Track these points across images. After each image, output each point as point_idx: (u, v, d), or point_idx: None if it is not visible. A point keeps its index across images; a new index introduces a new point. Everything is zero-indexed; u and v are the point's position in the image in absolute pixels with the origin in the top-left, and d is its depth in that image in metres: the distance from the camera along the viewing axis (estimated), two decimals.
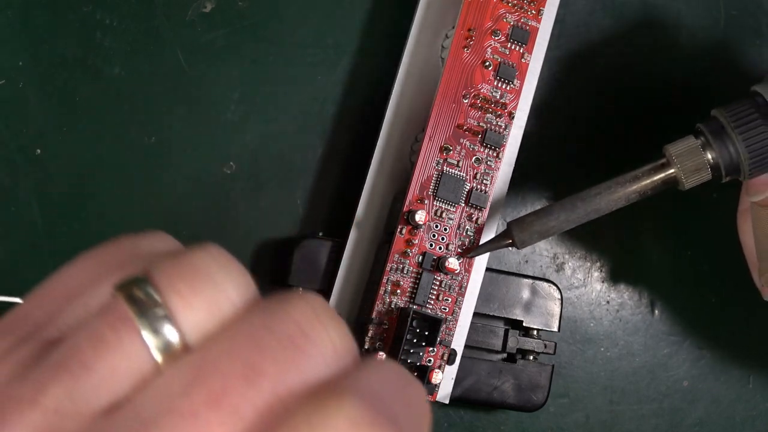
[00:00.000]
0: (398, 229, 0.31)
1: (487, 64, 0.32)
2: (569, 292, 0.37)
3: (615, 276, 0.38)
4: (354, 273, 0.33)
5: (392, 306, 0.31)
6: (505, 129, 0.33)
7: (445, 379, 0.32)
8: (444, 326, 0.31)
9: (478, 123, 0.32)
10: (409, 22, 0.34)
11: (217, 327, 0.15)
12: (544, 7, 0.33)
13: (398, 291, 0.31)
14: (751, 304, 0.36)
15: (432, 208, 0.32)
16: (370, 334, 0.31)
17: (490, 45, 0.32)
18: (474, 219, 0.32)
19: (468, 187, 0.32)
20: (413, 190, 0.31)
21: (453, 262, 0.31)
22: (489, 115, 0.32)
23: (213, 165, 0.35)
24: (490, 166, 0.32)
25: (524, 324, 0.34)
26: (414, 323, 0.30)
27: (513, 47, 0.33)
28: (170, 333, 0.14)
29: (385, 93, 0.34)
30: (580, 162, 0.38)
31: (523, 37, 0.33)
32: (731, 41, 0.39)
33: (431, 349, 0.31)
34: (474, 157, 0.32)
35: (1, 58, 0.34)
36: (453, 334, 0.32)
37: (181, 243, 0.16)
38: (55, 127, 0.34)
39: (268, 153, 0.35)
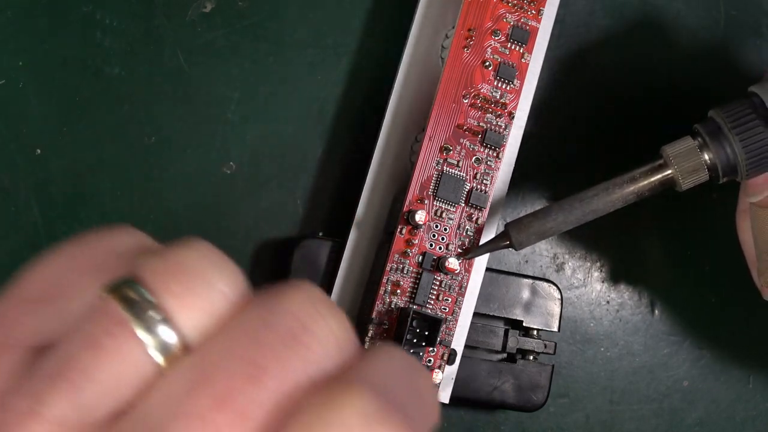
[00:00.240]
0: (398, 229, 0.31)
1: (487, 64, 0.32)
2: (569, 292, 0.37)
3: (615, 276, 0.38)
4: (354, 273, 0.33)
5: (392, 306, 0.31)
6: (505, 129, 0.33)
7: (445, 379, 0.32)
8: (444, 326, 0.31)
9: (478, 123, 0.32)
10: (409, 22, 0.34)
11: (214, 325, 0.14)
12: (544, 7, 0.33)
13: (398, 291, 0.31)
14: (751, 304, 0.36)
15: (432, 208, 0.32)
16: (370, 334, 0.31)
17: (490, 45, 0.32)
18: (474, 219, 0.32)
19: (468, 187, 0.32)
20: (413, 190, 0.31)
21: (453, 262, 0.31)
22: (489, 115, 0.32)
23: (213, 165, 0.35)
24: (490, 166, 0.32)
25: (524, 324, 0.34)
26: (414, 323, 0.30)
27: (513, 47, 0.33)
28: (168, 335, 0.14)
29: (385, 93, 0.34)
30: (580, 162, 0.38)
31: (523, 37, 0.33)
32: (731, 41, 0.39)
33: (431, 349, 0.31)
34: (474, 157, 0.32)
35: (1, 58, 0.34)
36: (453, 334, 0.32)
37: (151, 238, 0.16)
38: (55, 127, 0.34)
39: (268, 153, 0.35)
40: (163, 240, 0.16)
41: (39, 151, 0.34)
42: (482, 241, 0.32)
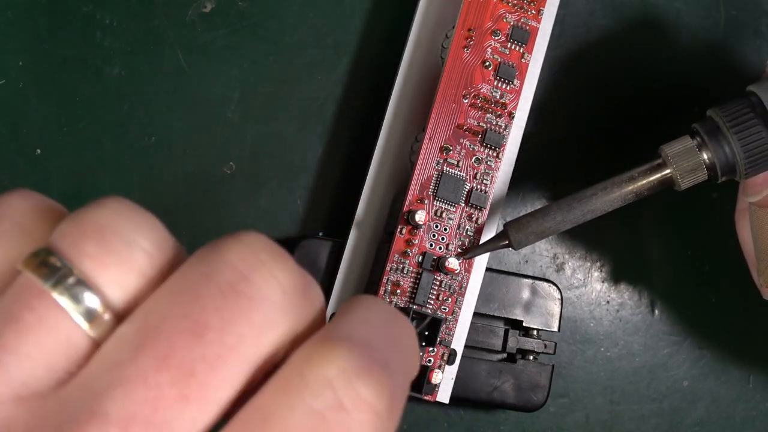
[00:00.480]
0: (398, 229, 0.31)
1: (487, 64, 0.32)
2: (569, 292, 0.37)
3: (615, 276, 0.38)
4: (354, 273, 0.33)
5: (392, 306, 0.31)
6: (505, 129, 0.33)
7: (445, 379, 0.32)
8: (444, 326, 0.31)
9: (478, 123, 0.32)
10: (409, 22, 0.34)
11: (143, 284, 0.14)
12: (544, 7, 0.33)
13: (398, 291, 0.31)
14: (751, 304, 0.36)
15: (432, 208, 0.32)
16: None
17: (490, 45, 0.32)
18: (474, 219, 0.32)
19: (468, 187, 0.32)
20: (413, 190, 0.31)
21: (453, 262, 0.31)
22: (489, 115, 0.32)
23: (213, 165, 0.35)
24: (490, 166, 0.32)
25: (524, 324, 0.34)
26: (414, 323, 0.30)
27: (513, 47, 0.33)
28: (92, 299, 0.13)
29: (385, 93, 0.34)
30: (580, 162, 0.38)
31: (523, 37, 0.33)
32: (731, 41, 0.39)
33: (431, 349, 0.31)
34: (474, 157, 0.32)
35: (1, 58, 0.34)
36: (453, 334, 0.32)
37: (48, 198, 0.15)
38: (55, 127, 0.34)
39: (268, 153, 0.35)
40: None
41: (39, 151, 0.34)
42: (482, 241, 0.32)
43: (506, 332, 0.34)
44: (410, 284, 0.31)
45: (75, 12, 0.35)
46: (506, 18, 0.32)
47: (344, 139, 0.36)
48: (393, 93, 0.33)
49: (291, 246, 0.33)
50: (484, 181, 0.32)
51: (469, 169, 0.32)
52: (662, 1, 0.38)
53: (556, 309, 0.35)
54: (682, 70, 0.38)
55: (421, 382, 0.31)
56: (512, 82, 0.32)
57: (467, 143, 0.32)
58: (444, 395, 0.32)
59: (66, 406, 0.13)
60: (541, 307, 0.35)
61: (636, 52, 0.38)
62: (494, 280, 0.34)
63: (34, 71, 0.34)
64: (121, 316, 0.14)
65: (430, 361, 0.31)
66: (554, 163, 0.37)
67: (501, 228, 0.34)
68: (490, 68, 0.32)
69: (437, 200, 0.32)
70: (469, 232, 0.32)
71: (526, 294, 0.35)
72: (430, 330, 0.31)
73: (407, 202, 0.31)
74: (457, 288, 0.32)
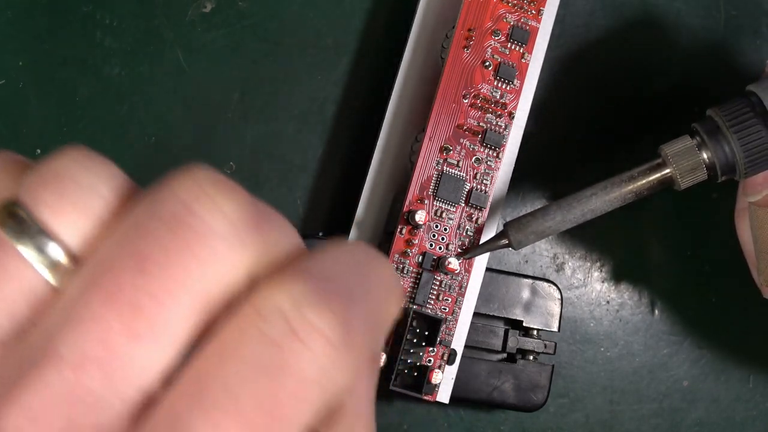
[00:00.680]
0: (398, 229, 0.31)
1: (487, 64, 0.32)
2: (569, 292, 0.37)
3: (615, 276, 0.38)
4: None
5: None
6: (505, 129, 0.33)
7: (445, 379, 0.32)
8: (444, 326, 0.31)
9: (478, 123, 0.32)
10: (409, 22, 0.34)
11: (99, 229, 0.14)
12: (544, 7, 0.33)
13: None
14: (751, 303, 0.36)
15: (432, 208, 0.32)
16: None
17: (490, 45, 0.32)
18: (474, 219, 0.32)
19: (468, 187, 0.32)
20: (413, 190, 0.31)
21: (453, 262, 0.31)
22: (489, 115, 0.32)
23: (213, 165, 0.35)
24: (490, 166, 0.32)
25: (524, 324, 0.34)
26: (414, 323, 0.30)
27: (513, 47, 0.33)
28: (50, 246, 0.14)
29: (385, 93, 0.34)
30: (580, 162, 0.38)
31: (523, 37, 0.33)
32: (731, 41, 0.39)
33: (431, 349, 0.31)
34: (474, 157, 0.32)
35: (1, 58, 0.34)
36: (453, 334, 0.32)
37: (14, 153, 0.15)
38: (55, 127, 0.34)
39: (268, 153, 0.35)
40: None
41: (39, 151, 0.34)
42: (482, 241, 0.32)
43: (506, 332, 0.34)
44: (410, 284, 0.31)
45: (75, 12, 0.35)
46: (506, 18, 0.32)
47: (344, 139, 0.36)
48: (393, 93, 0.33)
49: None
50: (484, 181, 0.32)
51: (469, 169, 0.32)
52: (662, 1, 0.38)
53: (556, 309, 0.35)
54: (682, 70, 0.38)
55: (421, 382, 0.31)
56: (512, 82, 0.32)
57: (467, 143, 0.32)
58: (444, 395, 0.32)
59: (25, 352, 0.13)
60: (541, 307, 0.35)
61: (636, 52, 0.38)
62: (494, 280, 0.34)
63: (34, 71, 0.34)
64: (81, 262, 0.14)
65: (430, 361, 0.31)
66: (554, 163, 0.37)
67: (501, 228, 0.34)
68: (490, 68, 0.32)
69: (437, 200, 0.32)
70: (469, 232, 0.32)
71: (526, 294, 0.35)
72: (430, 330, 0.31)
73: (407, 202, 0.31)
74: (457, 288, 0.32)
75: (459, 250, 0.32)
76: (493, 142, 0.32)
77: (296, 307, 0.13)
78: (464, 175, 0.32)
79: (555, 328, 0.35)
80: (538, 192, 0.37)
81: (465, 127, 0.32)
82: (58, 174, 0.14)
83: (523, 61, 0.33)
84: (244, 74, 0.35)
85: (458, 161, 0.32)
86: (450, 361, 0.32)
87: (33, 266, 0.13)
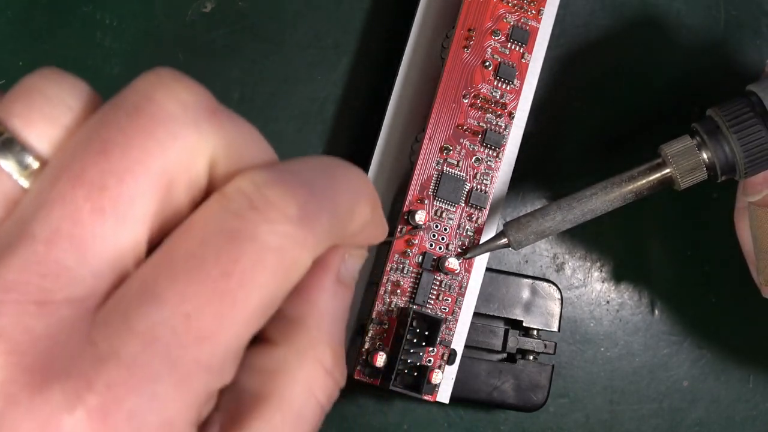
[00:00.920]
0: (398, 229, 0.31)
1: (487, 64, 0.32)
2: (569, 292, 0.37)
3: (615, 276, 0.38)
4: None
5: (392, 306, 0.31)
6: (505, 129, 0.33)
7: (445, 379, 0.32)
8: (444, 326, 0.31)
9: (478, 123, 0.32)
10: (409, 22, 0.34)
11: (67, 135, 0.15)
12: (544, 7, 0.33)
13: (398, 291, 0.31)
14: (751, 303, 0.36)
15: (432, 208, 0.32)
16: (370, 334, 0.31)
17: (490, 45, 0.32)
18: (474, 219, 0.32)
19: (468, 187, 0.32)
20: (413, 190, 0.31)
21: (453, 262, 0.31)
22: (489, 115, 0.32)
23: None
24: (490, 166, 0.32)
25: (524, 324, 0.34)
26: (414, 323, 0.30)
27: (513, 47, 0.33)
28: (21, 153, 0.15)
29: (385, 93, 0.34)
30: (579, 162, 0.38)
31: (523, 37, 0.33)
32: (731, 41, 0.39)
33: (431, 349, 0.31)
34: (474, 157, 0.32)
35: (1, 58, 0.34)
36: (453, 334, 0.32)
37: None
38: None
39: None
40: None
41: None
42: (482, 241, 0.32)
43: (506, 332, 0.34)
44: (410, 284, 0.31)
45: (75, 12, 0.35)
46: (506, 18, 0.32)
47: (344, 139, 0.36)
48: (393, 93, 0.33)
49: None
50: (484, 181, 0.32)
51: (469, 169, 0.32)
52: (662, 1, 0.38)
53: (556, 309, 0.35)
54: (682, 70, 0.38)
55: (421, 382, 0.31)
56: (512, 82, 0.32)
57: (467, 143, 0.32)
58: (444, 395, 0.32)
59: (1, 240, 0.14)
60: (541, 307, 0.35)
61: (636, 51, 0.38)
62: (494, 280, 0.34)
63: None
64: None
65: (430, 361, 0.31)
66: (554, 163, 0.37)
67: (501, 228, 0.34)
68: (490, 68, 0.32)
69: (437, 200, 0.32)
70: (469, 232, 0.32)
71: (526, 294, 0.35)
72: (430, 330, 0.31)
73: (407, 202, 0.31)
74: (457, 288, 0.32)
75: (459, 250, 0.32)
76: (493, 142, 0.32)
77: (257, 188, 0.14)
78: (464, 175, 0.32)
79: (555, 328, 0.35)
80: (538, 192, 0.37)
81: (465, 127, 0.32)
82: (29, 89, 0.15)
83: (523, 61, 0.33)
84: (244, 74, 0.35)
85: (458, 161, 0.32)
86: (450, 361, 0.32)
87: (6, 171, 0.15)
